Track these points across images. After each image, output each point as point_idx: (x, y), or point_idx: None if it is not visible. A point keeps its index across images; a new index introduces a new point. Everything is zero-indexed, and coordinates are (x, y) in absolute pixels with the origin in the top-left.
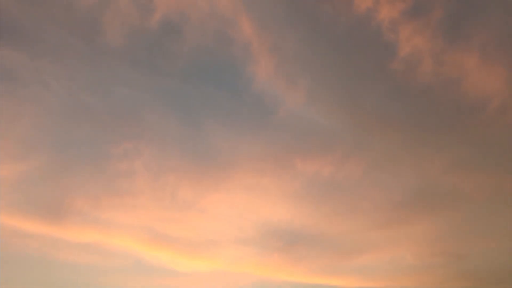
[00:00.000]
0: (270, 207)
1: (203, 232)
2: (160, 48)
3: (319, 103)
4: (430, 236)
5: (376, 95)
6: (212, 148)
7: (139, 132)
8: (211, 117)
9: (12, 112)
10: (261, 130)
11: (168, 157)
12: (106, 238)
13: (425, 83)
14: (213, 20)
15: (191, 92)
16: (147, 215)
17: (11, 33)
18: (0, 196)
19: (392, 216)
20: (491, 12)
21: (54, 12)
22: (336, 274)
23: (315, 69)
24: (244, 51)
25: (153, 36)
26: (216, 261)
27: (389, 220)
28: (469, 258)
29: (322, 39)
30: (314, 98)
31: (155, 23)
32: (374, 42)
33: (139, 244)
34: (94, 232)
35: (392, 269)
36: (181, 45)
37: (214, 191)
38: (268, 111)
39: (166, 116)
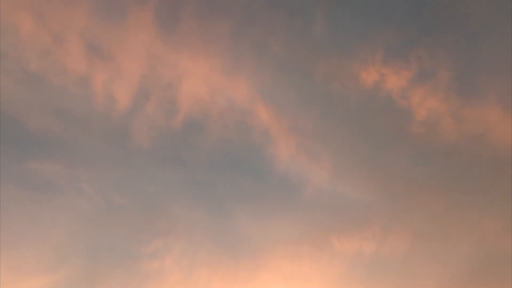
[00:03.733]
0: None
1: None
2: (184, 144)
3: (345, 176)
4: None
5: (402, 161)
6: (243, 236)
7: (168, 228)
8: (239, 204)
9: (48, 222)
10: (290, 211)
11: (199, 251)
12: None
13: (449, 142)
14: (231, 113)
15: (216, 182)
16: None
17: (51, 148)
18: None
19: None
20: (503, 61)
21: (90, 125)
22: None
23: (335, 143)
24: (263, 136)
25: (178, 134)
26: None
27: None
28: None
29: (337, 114)
30: (339, 172)
31: (179, 122)
32: (388, 111)
33: None
34: None
35: None
36: (204, 139)
37: (250, 282)
38: (295, 190)
39: (194, 208)
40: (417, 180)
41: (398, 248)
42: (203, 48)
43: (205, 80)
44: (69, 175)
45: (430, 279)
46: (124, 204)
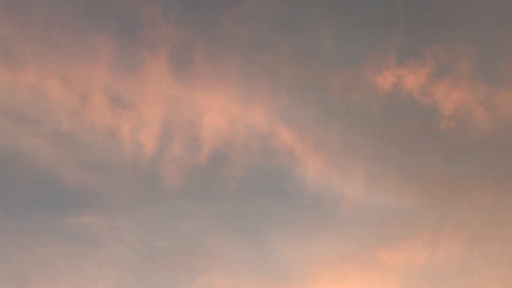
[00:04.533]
0: None
1: None
2: (212, 177)
3: (381, 185)
4: None
5: (438, 161)
6: (284, 262)
7: (209, 263)
8: (275, 230)
9: (95, 274)
10: (329, 229)
11: (243, 283)
12: None
13: (485, 132)
14: (254, 139)
15: (249, 210)
16: None
17: (89, 200)
18: None
19: None
20: None
21: (121, 173)
22: None
23: (364, 153)
24: (289, 157)
25: (205, 168)
26: None
27: None
28: None
29: (360, 123)
30: (374, 181)
31: (204, 157)
32: (412, 111)
33: None
34: None
35: None
36: (231, 169)
37: None
38: (330, 207)
39: (231, 240)
40: (458, 178)
41: (452, 254)
42: (217, 83)
43: (224, 112)
44: (108, 225)
45: (492, 282)
46: (163, 246)
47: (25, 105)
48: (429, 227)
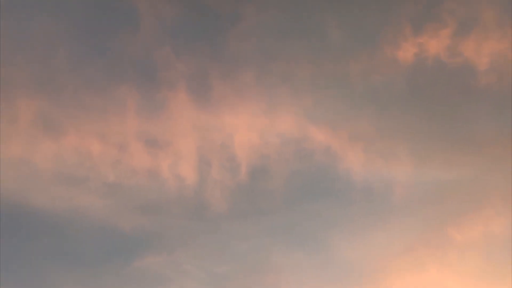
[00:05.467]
0: None
1: None
2: (256, 193)
3: (429, 161)
4: None
5: (485, 121)
6: (350, 262)
7: (276, 280)
8: (331, 231)
9: None
10: (388, 219)
11: None
12: None
13: None
14: (288, 146)
15: (300, 218)
16: None
17: (148, 242)
18: None
19: None
20: None
21: (170, 209)
22: None
23: (404, 132)
24: (328, 155)
25: (247, 186)
26: None
27: None
28: None
29: (392, 103)
30: (421, 159)
31: (244, 175)
32: (444, 75)
33: None
34: None
35: None
36: (272, 180)
37: None
38: (383, 196)
39: (289, 251)
40: (507, 136)
41: None
42: (239, 101)
43: (252, 127)
44: (171, 261)
45: None
46: (226, 270)
47: (73, 167)
48: (496, 192)
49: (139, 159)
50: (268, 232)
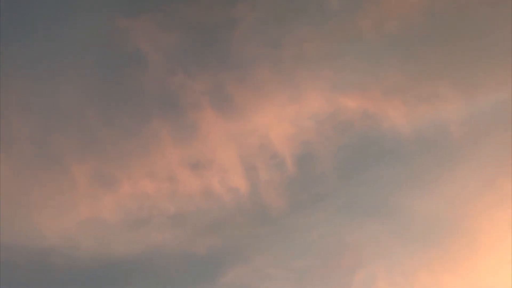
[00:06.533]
0: None
1: None
2: (308, 179)
3: (477, 90)
4: None
5: None
6: (433, 219)
7: (358, 260)
8: (402, 194)
9: None
10: (456, 163)
11: (403, 261)
12: None
13: None
14: (323, 125)
15: (361, 190)
16: None
17: (227, 259)
18: None
19: None
20: None
21: (237, 220)
22: None
23: (440, 67)
24: (367, 119)
25: (299, 176)
26: None
27: None
28: None
29: (416, 42)
30: (468, 90)
31: (292, 167)
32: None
33: None
34: None
35: None
36: (320, 163)
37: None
38: (441, 141)
39: (364, 226)
40: None
41: None
42: (261, 100)
43: (283, 118)
44: (252, 270)
45: None
46: (306, 264)
47: (135, 211)
48: None
49: (190, 184)
50: (334, 214)
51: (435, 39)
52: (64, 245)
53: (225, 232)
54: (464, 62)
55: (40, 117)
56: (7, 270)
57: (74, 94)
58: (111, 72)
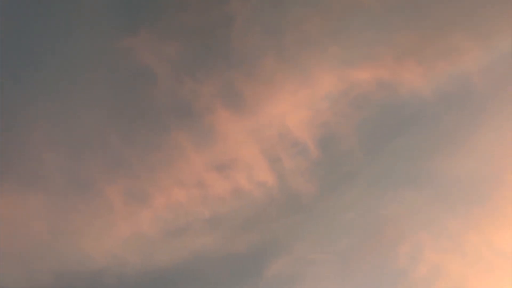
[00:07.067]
0: None
1: None
2: (335, 160)
3: (495, 34)
4: None
5: None
6: (472, 179)
7: (400, 230)
8: (432, 157)
9: None
10: (486, 116)
11: (449, 225)
12: None
13: None
14: (339, 103)
15: (391, 161)
16: None
17: (269, 249)
18: None
19: None
20: None
21: (272, 213)
22: None
23: (449, 20)
24: (384, 88)
25: (324, 158)
26: None
27: None
28: None
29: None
30: (487, 35)
31: (315, 150)
32: None
33: None
34: None
35: None
36: (343, 141)
37: None
38: (466, 95)
39: (401, 196)
40: None
41: None
42: (271, 91)
43: (296, 105)
44: (295, 259)
45: None
46: (348, 244)
47: (173, 221)
48: None
49: (219, 186)
50: (366, 190)
51: None
52: (112, 264)
53: (261, 226)
54: (475, 9)
55: (66, 148)
56: None
57: (92, 120)
58: (123, 91)
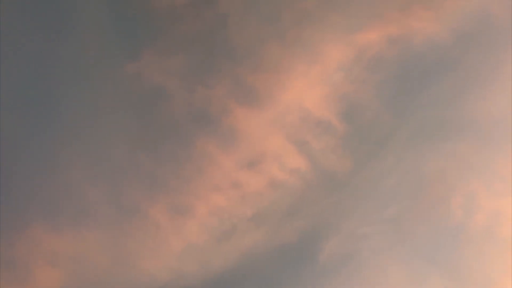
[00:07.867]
0: None
1: None
2: (362, 130)
3: None
4: None
5: None
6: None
7: (446, 191)
8: (466, 97)
9: None
10: (504, 75)
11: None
12: None
13: None
14: (354, 72)
15: (423, 115)
16: None
17: (316, 233)
18: None
19: None
20: None
21: (310, 195)
22: None
23: None
24: (397, 42)
25: (350, 131)
26: None
27: None
28: None
29: None
30: None
31: (340, 125)
32: None
33: None
34: None
35: None
36: (367, 108)
37: None
38: (489, 31)
39: (441, 149)
40: None
41: None
42: (281, 77)
43: (310, 85)
44: (345, 237)
45: None
46: (396, 210)
47: (219, 226)
48: None
49: (254, 182)
50: (404, 151)
51: None
52: (172, 278)
53: (304, 212)
54: None
55: (105, 177)
56: None
57: (121, 148)
58: (142, 114)
